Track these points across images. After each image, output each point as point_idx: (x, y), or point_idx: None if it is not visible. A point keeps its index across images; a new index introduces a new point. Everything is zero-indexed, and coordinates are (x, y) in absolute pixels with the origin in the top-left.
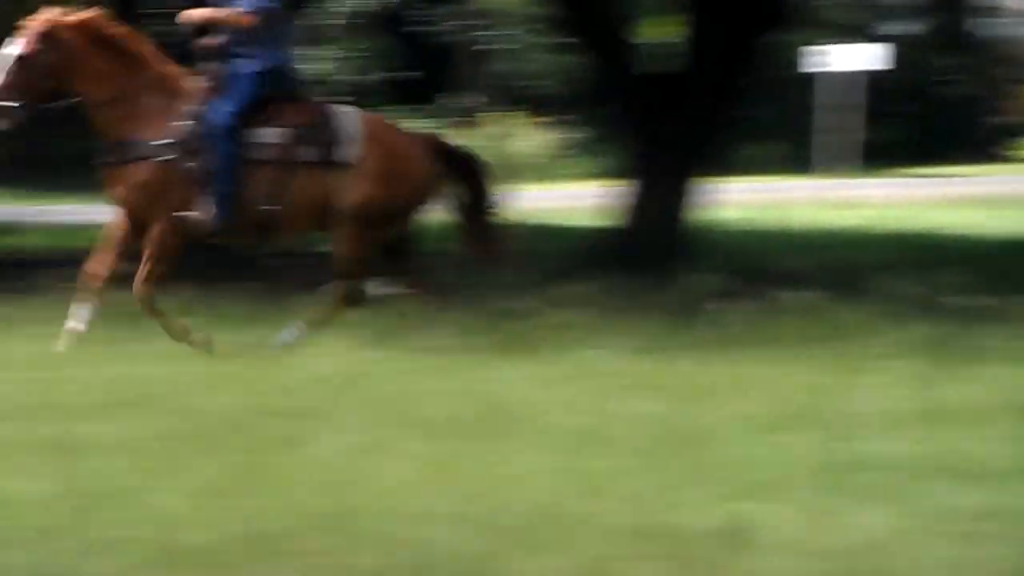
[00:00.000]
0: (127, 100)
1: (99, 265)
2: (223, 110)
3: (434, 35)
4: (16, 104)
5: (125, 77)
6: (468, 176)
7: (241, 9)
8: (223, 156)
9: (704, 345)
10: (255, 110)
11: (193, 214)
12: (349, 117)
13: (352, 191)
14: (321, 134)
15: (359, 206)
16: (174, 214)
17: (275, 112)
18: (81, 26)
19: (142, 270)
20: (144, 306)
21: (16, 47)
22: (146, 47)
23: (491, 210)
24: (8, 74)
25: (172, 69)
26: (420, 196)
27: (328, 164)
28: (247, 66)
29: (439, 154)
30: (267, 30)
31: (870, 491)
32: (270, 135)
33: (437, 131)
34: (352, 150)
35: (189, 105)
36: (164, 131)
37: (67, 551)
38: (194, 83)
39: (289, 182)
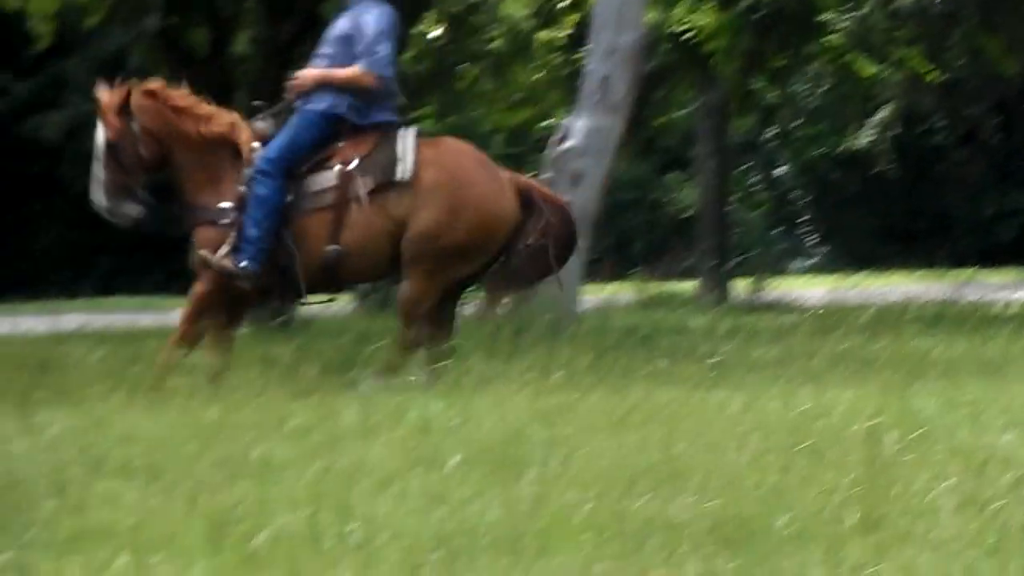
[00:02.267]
0: (198, 163)
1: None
2: (263, 155)
3: None
4: (131, 193)
5: (195, 139)
6: (550, 229)
7: (364, 69)
8: (255, 200)
9: None
10: (310, 153)
11: (224, 261)
12: (408, 135)
13: (415, 218)
14: (378, 158)
15: (423, 234)
16: (212, 264)
17: (333, 152)
18: (152, 92)
19: (180, 324)
20: (165, 362)
21: (102, 134)
22: (206, 107)
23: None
24: (107, 168)
25: (236, 126)
26: (492, 233)
27: (387, 188)
28: (302, 107)
29: (525, 197)
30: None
31: None
32: (325, 179)
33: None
34: (406, 166)
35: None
36: (227, 193)
37: None
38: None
39: (349, 219)
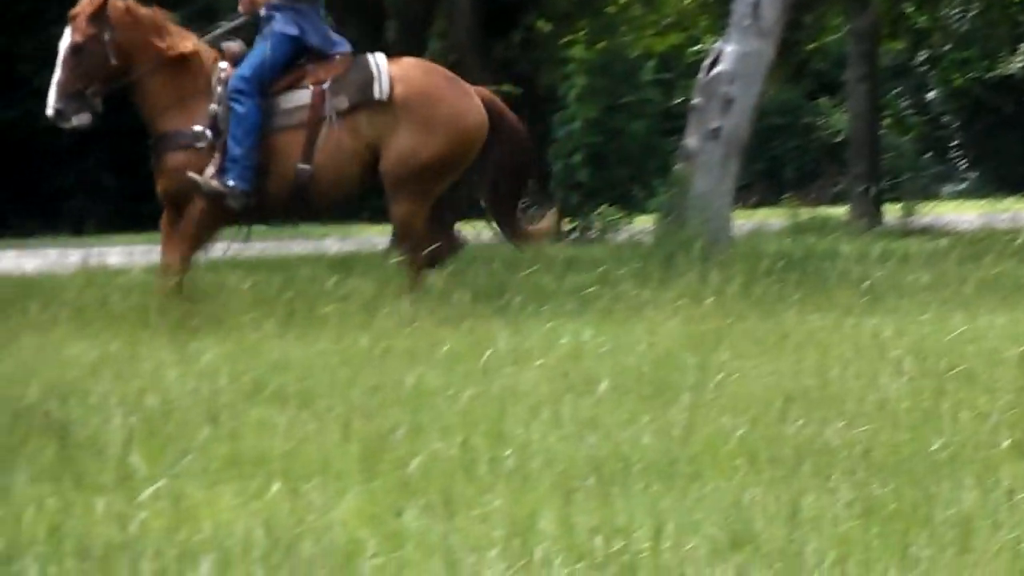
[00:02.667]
0: (167, 84)
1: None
2: (238, 74)
3: None
4: (84, 93)
5: (164, 58)
6: (511, 147)
7: None
8: (235, 119)
9: None
10: (280, 74)
11: (212, 182)
12: (379, 58)
13: (390, 140)
14: (350, 81)
15: (402, 156)
16: (202, 188)
17: (304, 73)
18: (127, 6)
19: (177, 248)
20: (167, 286)
21: (67, 38)
22: (175, 26)
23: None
24: (67, 71)
25: (203, 49)
26: (467, 145)
27: (358, 109)
28: (271, 30)
29: (490, 109)
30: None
31: None
32: (298, 97)
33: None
34: (381, 88)
35: (220, 86)
36: (197, 118)
37: None
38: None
39: (321, 139)
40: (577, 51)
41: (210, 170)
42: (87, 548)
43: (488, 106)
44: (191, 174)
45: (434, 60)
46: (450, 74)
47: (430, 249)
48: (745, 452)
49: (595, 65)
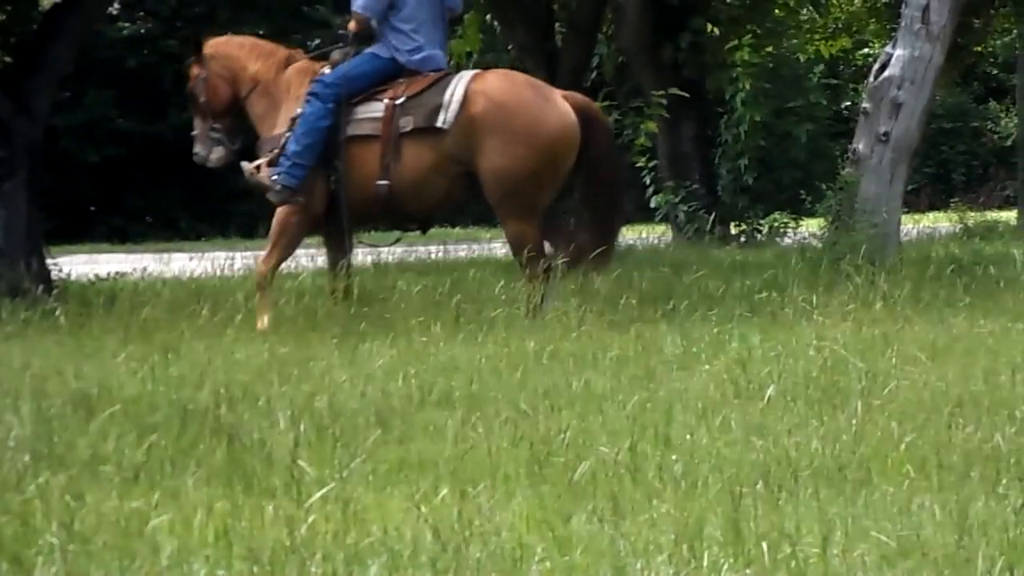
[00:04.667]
0: (262, 98)
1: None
2: (320, 79)
3: None
4: (214, 132)
5: (259, 80)
6: (597, 154)
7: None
8: (301, 118)
9: None
10: (367, 86)
11: (260, 173)
12: (461, 82)
13: (479, 159)
14: (422, 102)
15: (496, 175)
16: (247, 177)
17: (387, 88)
18: (215, 44)
19: (265, 258)
20: (259, 286)
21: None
22: (270, 46)
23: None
24: (193, 114)
25: (300, 62)
26: (557, 152)
27: (434, 131)
28: (368, 51)
29: (583, 114)
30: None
31: None
32: (371, 108)
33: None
34: (446, 117)
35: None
36: (284, 124)
37: None
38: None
39: (398, 154)
40: (744, 55)
41: (261, 161)
42: (256, 551)
43: (580, 112)
44: (243, 163)
45: (602, 64)
46: (534, 81)
47: (569, 257)
48: (914, 458)
49: (763, 69)
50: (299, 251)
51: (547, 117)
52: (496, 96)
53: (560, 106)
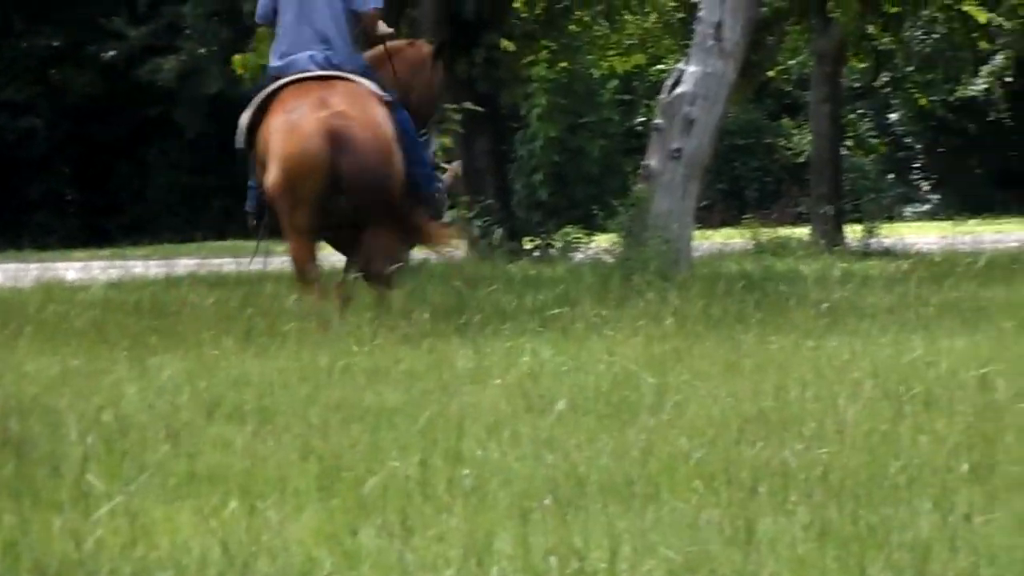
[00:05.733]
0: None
1: None
2: None
3: None
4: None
5: None
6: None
7: None
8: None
9: None
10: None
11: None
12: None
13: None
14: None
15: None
16: None
17: None
18: None
19: None
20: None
21: None
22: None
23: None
24: None
25: None
26: (293, 177)
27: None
28: None
29: (338, 140)
30: None
31: None
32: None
33: None
34: (238, 139)
35: None
36: None
37: None
38: None
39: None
40: (539, 71)
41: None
42: (43, 566)
43: (332, 135)
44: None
45: None
46: (292, 105)
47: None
48: (702, 474)
49: (557, 85)
50: (95, 263)
51: (287, 141)
52: (270, 121)
53: (301, 131)
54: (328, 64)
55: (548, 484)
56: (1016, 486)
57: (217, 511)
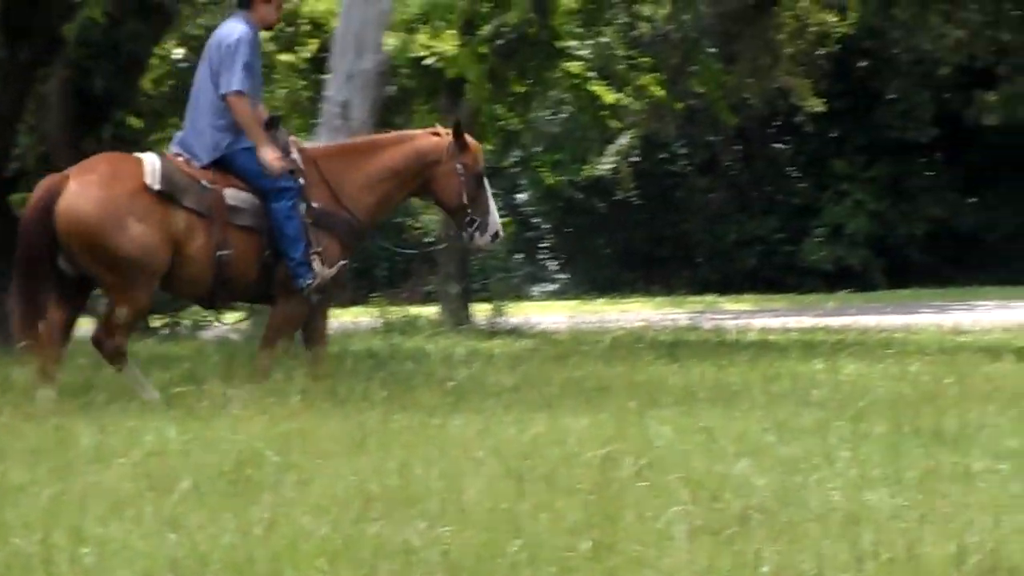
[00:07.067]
0: None
1: None
2: None
3: None
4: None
5: None
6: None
7: None
8: None
9: None
10: None
11: None
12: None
13: None
14: None
15: None
16: None
17: None
18: None
19: None
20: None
21: None
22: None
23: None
24: None
25: None
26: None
27: None
28: None
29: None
30: None
31: None
32: None
33: None
34: None
35: None
36: None
37: None
38: None
39: None
40: (165, 148)
41: None
42: None
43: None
44: None
45: (24, 154)
46: (69, 171)
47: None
48: (325, 551)
49: None
50: None
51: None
52: None
53: (37, 194)
54: (177, 142)
55: (170, 563)
56: (636, 564)
57: None
